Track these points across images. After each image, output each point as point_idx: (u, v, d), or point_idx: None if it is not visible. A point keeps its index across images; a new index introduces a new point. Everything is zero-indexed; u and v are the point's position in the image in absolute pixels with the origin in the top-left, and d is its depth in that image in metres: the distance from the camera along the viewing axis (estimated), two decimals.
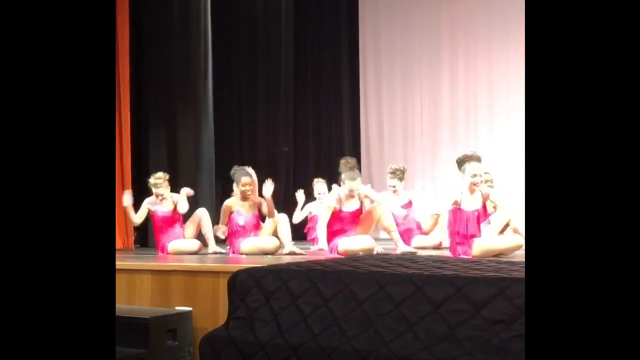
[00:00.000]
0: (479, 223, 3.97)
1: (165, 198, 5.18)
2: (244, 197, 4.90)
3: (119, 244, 6.19)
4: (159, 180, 5.14)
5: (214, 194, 6.39)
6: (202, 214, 5.21)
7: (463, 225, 3.95)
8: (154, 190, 5.16)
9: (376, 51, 8.88)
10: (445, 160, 7.94)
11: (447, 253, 4.25)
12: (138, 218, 5.26)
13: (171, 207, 5.20)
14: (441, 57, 8.45)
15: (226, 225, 4.92)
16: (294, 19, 8.35)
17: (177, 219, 5.23)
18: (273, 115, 7.58)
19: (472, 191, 3.99)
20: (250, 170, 4.98)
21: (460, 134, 8.22)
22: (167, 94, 6.60)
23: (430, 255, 3.44)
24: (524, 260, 3.32)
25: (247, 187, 4.86)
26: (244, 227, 4.89)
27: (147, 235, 6.63)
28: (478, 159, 3.99)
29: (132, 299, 3.83)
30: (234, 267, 3.44)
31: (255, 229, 4.93)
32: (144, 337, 3.26)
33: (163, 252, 5.13)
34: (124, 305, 3.74)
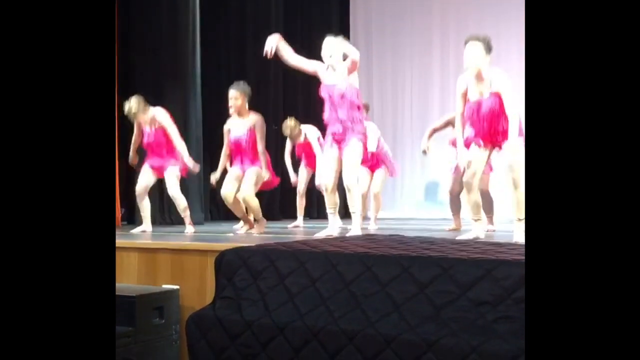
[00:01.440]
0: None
1: None
2: (236, 113, 4.91)
3: None
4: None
5: (202, 171, 6.37)
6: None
7: None
8: None
9: (367, 31, 8.83)
10: (434, 140, 7.97)
11: None
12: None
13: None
14: (432, 39, 8.44)
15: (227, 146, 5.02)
16: (284, 1, 8.32)
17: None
18: (263, 94, 7.52)
19: None
20: (241, 84, 4.95)
21: (450, 107, 8.16)
22: (154, 70, 6.54)
23: (418, 236, 3.45)
24: (510, 242, 3.35)
25: (231, 102, 4.86)
26: (237, 144, 4.91)
27: (134, 212, 6.62)
28: None
29: (119, 277, 3.80)
30: (222, 245, 3.44)
31: (253, 151, 4.91)
32: (130, 314, 3.25)
33: None
34: None
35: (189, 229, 5.12)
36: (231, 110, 4.91)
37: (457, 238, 3.75)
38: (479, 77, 3.78)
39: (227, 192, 4.91)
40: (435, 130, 5.58)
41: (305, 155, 6.23)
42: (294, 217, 6.59)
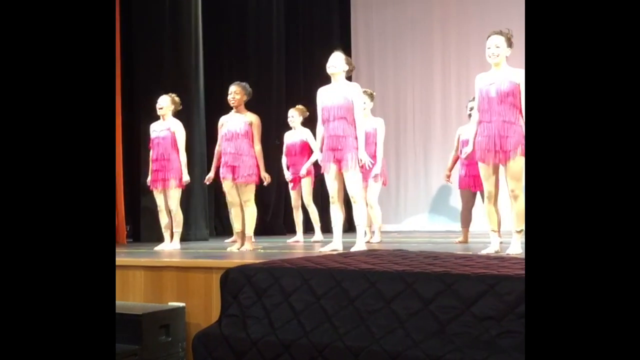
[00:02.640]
0: None
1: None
2: (233, 108, 4.93)
3: None
4: None
5: (205, 188, 6.40)
6: None
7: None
8: None
9: (368, 46, 8.90)
10: (436, 141, 8.01)
11: None
12: None
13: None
14: (433, 47, 8.48)
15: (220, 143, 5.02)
16: (285, 10, 8.39)
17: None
18: (265, 111, 7.59)
19: None
20: (242, 83, 5.00)
21: (452, 118, 8.21)
22: (157, 88, 6.60)
23: (422, 251, 3.46)
24: (513, 256, 3.36)
25: (231, 96, 4.89)
26: (230, 134, 4.90)
27: (139, 230, 6.65)
28: None
29: (125, 295, 3.84)
30: (227, 263, 3.46)
31: (248, 141, 4.91)
32: (137, 332, 3.27)
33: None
34: (117, 301, 3.75)
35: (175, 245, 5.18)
36: (232, 104, 4.93)
37: (482, 252, 3.79)
38: (498, 67, 3.82)
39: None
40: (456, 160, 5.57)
41: (294, 163, 6.15)
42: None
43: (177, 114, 5.39)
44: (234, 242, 5.27)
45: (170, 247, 5.17)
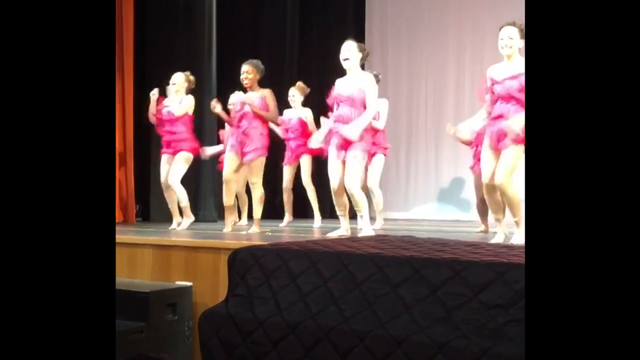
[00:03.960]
0: None
1: None
2: (245, 88, 4.93)
3: (120, 217, 6.22)
4: None
5: (216, 171, 6.40)
6: None
7: None
8: None
9: (382, 34, 8.83)
10: (447, 141, 7.95)
11: None
12: None
13: None
14: (448, 41, 8.41)
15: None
16: (300, 6, 8.40)
17: None
18: (277, 96, 7.60)
19: None
20: (254, 61, 4.99)
21: (464, 108, 8.14)
22: (170, 67, 6.59)
23: (430, 238, 3.45)
24: (523, 245, 3.34)
25: (244, 75, 4.88)
26: (244, 113, 4.88)
27: (148, 209, 6.68)
28: None
29: (133, 273, 3.86)
30: (235, 243, 3.47)
31: (262, 121, 4.92)
32: (143, 310, 3.29)
33: None
34: (124, 278, 3.77)
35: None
36: (245, 83, 4.92)
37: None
38: (511, 59, 3.78)
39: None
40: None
41: (290, 144, 6.08)
42: (301, 216, 6.54)
43: (190, 93, 5.41)
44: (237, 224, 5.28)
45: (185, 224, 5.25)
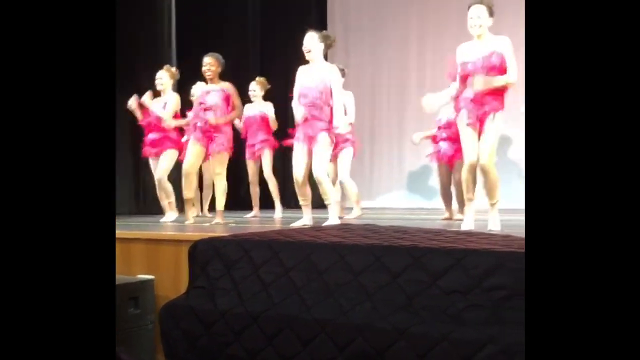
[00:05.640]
0: None
1: None
2: (207, 79, 4.95)
3: None
4: None
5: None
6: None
7: None
8: None
9: (345, 24, 8.82)
10: (411, 118, 8.00)
11: None
12: None
13: None
14: (410, 34, 8.46)
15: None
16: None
17: None
18: (238, 89, 7.58)
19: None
20: (217, 55, 5.01)
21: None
22: (132, 60, 6.50)
23: (392, 226, 3.47)
24: (481, 231, 3.39)
25: (207, 67, 4.90)
26: (208, 106, 4.89)
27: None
28: None
29: None
30: (196, 235, 3.44)
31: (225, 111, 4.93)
32: None
33: None
34: None
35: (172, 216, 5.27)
36: (207, 75, 4.93)
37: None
38: (481, 38, 3.81)
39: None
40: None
41: (253, 136, 6.11)
42: (265, 207, 6.56)
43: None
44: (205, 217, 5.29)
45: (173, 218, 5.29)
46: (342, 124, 4.25)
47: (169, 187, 5.31)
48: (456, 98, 3.97)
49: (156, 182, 5.36)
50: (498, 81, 3.72)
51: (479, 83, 3.71)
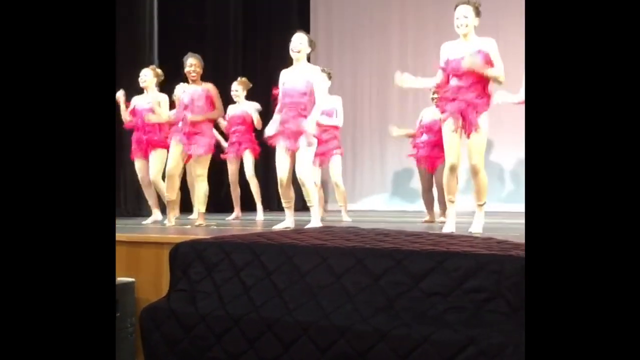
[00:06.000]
0: None
1: None
2: (190, 80, 4.93)
3: None
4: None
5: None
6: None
7: None
8: None
9: (327, 28, 8.84)
10: (393, 121, 8.00)
11: None
12: None
13: None
14: (391, 35, 8.49)
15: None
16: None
17: None
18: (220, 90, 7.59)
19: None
20: (198, 56, 5.01)
21: (408, 99, 8.23)
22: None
23: (374, 229, 3.48)
24: (462, 234, 3.42)
25: (192, 68, 4.89)
26: (191, 107, 4.87)
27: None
28: None
29: None
30: (177, 238, 3.42)
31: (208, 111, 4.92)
32: None
33: None
34: None
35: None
36: (192, 76, 4.91)
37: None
38: (467, 38, 3.82)
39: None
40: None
41: (234, 139, 6.10)
42: (247, 209, 6.55)
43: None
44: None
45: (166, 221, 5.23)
46: (310, 123, 4.18)
47: (162, 187, 5.26)
48: (438, 88, 3.99)
49: (151, 182, 5.36)
50: (489, 71, 3.73)
51: (468, 62, 3.70)
